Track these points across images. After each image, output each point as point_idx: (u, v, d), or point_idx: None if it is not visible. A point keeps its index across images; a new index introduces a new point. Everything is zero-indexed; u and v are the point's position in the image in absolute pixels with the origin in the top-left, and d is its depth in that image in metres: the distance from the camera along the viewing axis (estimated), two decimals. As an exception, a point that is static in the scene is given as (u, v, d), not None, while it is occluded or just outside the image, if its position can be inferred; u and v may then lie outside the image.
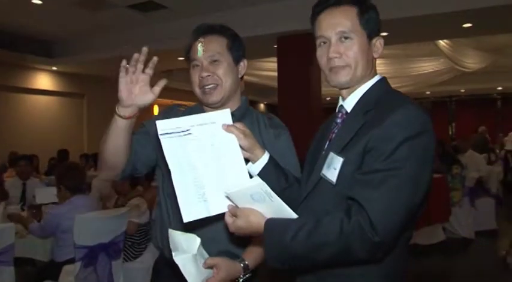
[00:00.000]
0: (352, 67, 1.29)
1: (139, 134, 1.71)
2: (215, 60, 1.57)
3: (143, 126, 1.75)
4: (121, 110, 1.45)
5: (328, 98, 14.10)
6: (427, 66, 11.20)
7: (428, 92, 15.51)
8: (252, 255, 1.50)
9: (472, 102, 16.84)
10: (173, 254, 1.41)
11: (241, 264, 1.47)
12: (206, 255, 1.44)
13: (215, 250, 1.50)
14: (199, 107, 1.69)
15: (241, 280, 1.47)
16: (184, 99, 14.87)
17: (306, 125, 4.83)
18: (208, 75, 1.56)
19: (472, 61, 10.15)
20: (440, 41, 8.71)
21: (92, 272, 3.05)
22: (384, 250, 1.13)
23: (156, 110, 14.60)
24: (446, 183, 5.67)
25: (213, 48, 1.58)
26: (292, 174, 1.46)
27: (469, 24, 6.74)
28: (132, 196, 3.78)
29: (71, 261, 3.13)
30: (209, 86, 1.56)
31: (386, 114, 1.16)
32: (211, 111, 1.55)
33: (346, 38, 1.28)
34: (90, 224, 3.03)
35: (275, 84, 7.93)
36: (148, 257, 3.71)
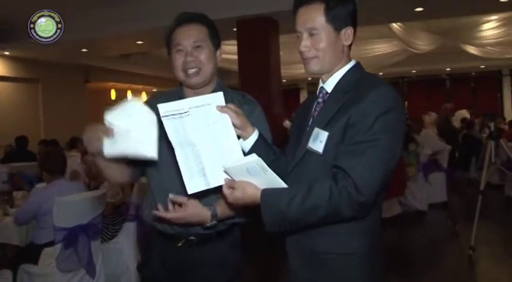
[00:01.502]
0: (320, 58, 1.47)
1: None
2: (198, 46, 1.71)
3: None
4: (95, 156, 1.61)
5: (284, 80, 14.34)
6: (381, 48, 11.56)
7: (381, 73, 15.99)
8: (222, 206, 1.63)
9: (423, 82, 17.50)
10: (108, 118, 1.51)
11: (210, 211, 1.62)
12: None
13: None
14: (180, 89, 1.83)
15: (207, 225, 1.63)
16: (140, 83, 14.80)
17: (266, 106, 4.96)
18: (192, 60, 1.69)
19: (423, 43, 10.57)
20: (394, 24, 9.05)
21: (72, 253, 3.14)
22: (367, 208, 1.34)
23: (113, 94, 14.45)
24: (402, 159, 6.01)
25: (196, 33, 1.71)
26: (277, 149, 1.63)
27: (420, 8, 7.06)
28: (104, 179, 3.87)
29: (51, 243, 3.20)
30: (192, 70, 1.70)
31: (363, 93, 1.36)
32: (192, 93, 1.73)
33: (313, 33, 1.46)
34: (69, 206, 3.11)
35: (232, 66, 8.00)
36: (123, 238, 3.83)
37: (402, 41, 10.21)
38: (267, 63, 7.31)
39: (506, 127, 9.68)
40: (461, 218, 5.54)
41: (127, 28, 7.90)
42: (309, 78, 16.61)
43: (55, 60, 10.25)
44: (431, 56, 12.57)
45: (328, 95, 1.51)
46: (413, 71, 15.87)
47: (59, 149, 5.02)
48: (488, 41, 10.66)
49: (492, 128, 4.94)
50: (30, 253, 3.35)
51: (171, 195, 1.56)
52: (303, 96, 19.11)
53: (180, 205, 1.57)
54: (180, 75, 1.73)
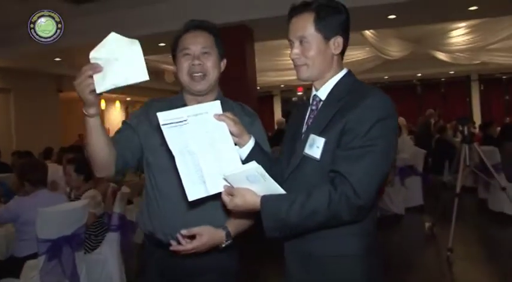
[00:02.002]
0: (309, 65, 1.53)
1: (122, 130, 1.84)
2: (206, 52, 1.74)
3: (125, 123, 1.88)
4: (86, 107, 1.56)
5: (258, 88, 14.45)
6: (354, 54, 11.74)
7: (354, 80, 16.22)
8: (233, 224, 1.68)
9: (395, 88, 17.81)
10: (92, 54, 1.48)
11: (224, 232, 1.66)
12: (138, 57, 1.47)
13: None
14: (182, 97, 1.84)
15: (223, 246, 1.66)
16: (112, 92, 14.66)
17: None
18: (200, 64, 1.72)
19: (395, 50, 10.80)
20: (366, 31, 9.23)
21: (56, 265, 3.08)
22: (365, 212, 1.39)
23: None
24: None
25: (204, 40, 1.75)
26: (272, 156, 1.67)
27: (393, 16, 7.24)
28: (85, 189, 3.81)
29: (33, 256, 3.15)
30: (198, 74, 1.73)
31: (358, 100, 1.41)
32: (194, 101, 1.75)
33: (303, 41, 1.52)
34: (53, 217, 3.06)
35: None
36: (106, 249, 3.78)
37: (375, 48, 10.41)
38: (243, 71, 7.36)
39: (477, 131, 9.95)
40: (438, 221, 5.66)
41: (101, 37, 7.82)
42: (282, 86, 16.79)
43: (27, 69, 10.07)
44: (402, 62, 12.88)
45: (321, 102, 1.55)
46: (386, 77, 16.18)
47: (39, 159, 4.95)
48: (457, 47, 10.97)
49: (466, 132, 5.09)
50: (11, 267, 3.28)
51: (183, 231, 1.57)
52: (277, 103, 19.30)
53: (194, 236, 1.59)
54: (185, 79, 1.75)
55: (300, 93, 17.57)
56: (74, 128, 13.14)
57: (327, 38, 1.51)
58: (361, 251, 1.45)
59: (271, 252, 1.64)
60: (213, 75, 1.75)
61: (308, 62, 1.52)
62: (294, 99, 18.53)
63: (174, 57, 1.79)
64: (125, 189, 4.18)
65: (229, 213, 1.66)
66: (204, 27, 1.78)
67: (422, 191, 7.15)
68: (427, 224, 5.86)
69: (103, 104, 15.36)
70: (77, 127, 13.45)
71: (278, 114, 18.22)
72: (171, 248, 1.59)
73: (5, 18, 7.79)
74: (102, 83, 1.46)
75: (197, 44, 1.74)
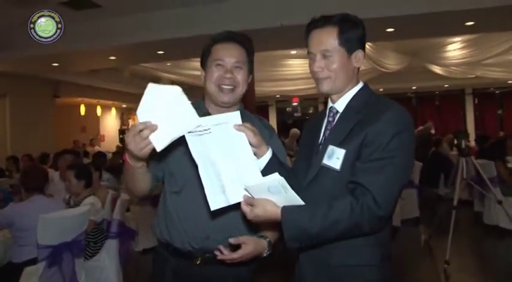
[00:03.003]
0: (332, 78, 1.55)
1: None
2: (238, 66, 1.76)
3: None
4: (136, 162, 1.56)
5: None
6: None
7: (349, 91, 16.28)
8: (271, 234, 1.69)
9: (390, 100, 17.91)
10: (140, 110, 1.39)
11: (266, 241, 1.67)
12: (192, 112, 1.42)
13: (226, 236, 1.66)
14: (203, 104, 1.85)
15: (264, 255, 1.67)
16: (110, 99, 14.62)
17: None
18: (231, 77, 1.74)
19: (391, 62, 10.91)
20: (364, 44, 9.30)
21: (56, 272, 3.06)
22: (384, 222, 1.41)
23: (82, 109, 14.21)
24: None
25: (238, 55, 1.77)
26: (288, 167, 1.69)
27: (391, 29, 7.32)
28: (85, 195, 3.80)
29: (32, 261, 3.13)
30: (228, 87, 1.74)
31: (378, 114, 1.43)
32: (216, 110, 1.77)
33: (327, 55, 1.54)
34: (54, 223, 3.05)
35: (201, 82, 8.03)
36: (105, 256, 3.76)
37: (372, 61, 10.49)
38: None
39: (471, 144, 10.01)
40: (434, 233, 5.68)
41: (100, 43, 7.87)
42: (277, 96, 16.84)
43: (24, 73, 10.02)
44: (398, 75, 12.97)
45: (339, 114, 1.58)
46: (381, 89, 16.26)
47: (40, 165, 4.94)
48: (452, 61, 11.10)
49: (463, 146, 5.13)
50: (10, 273, 3.25)
51: (231, 240, 1.58)
52: (272, 113, 19.34)
53: (238, 246, 1.59)
54: (213, 88, 1.76)
55: (295, 104, 17.63)
56: (69, 133, 13.12)
57: (350, 52, 1.55)
58: (377, 260, 1.47)
59: (274, 261, 1.65)
60: (242, 88, 1.78)
61: (331, 75, 1.54)
62: (288, 109, 18.60)
63: (203, 63, 1.81)
64: (125, 196, 4.16)
65: (249, 223, 1.66)
66: (238, 40, 1.80)
67: (418, 203, 7.16)
68: (423, 236, 5.88)
69: (99, 110, 15.36)
70: (72, 133, 13.43)
71: (273, 125, 18.25)
72: (218, 258, 1.60)
73: (2, 23, 7.77)
74: (160, 139, 1.39)
75: (231, 57, 1.75)
